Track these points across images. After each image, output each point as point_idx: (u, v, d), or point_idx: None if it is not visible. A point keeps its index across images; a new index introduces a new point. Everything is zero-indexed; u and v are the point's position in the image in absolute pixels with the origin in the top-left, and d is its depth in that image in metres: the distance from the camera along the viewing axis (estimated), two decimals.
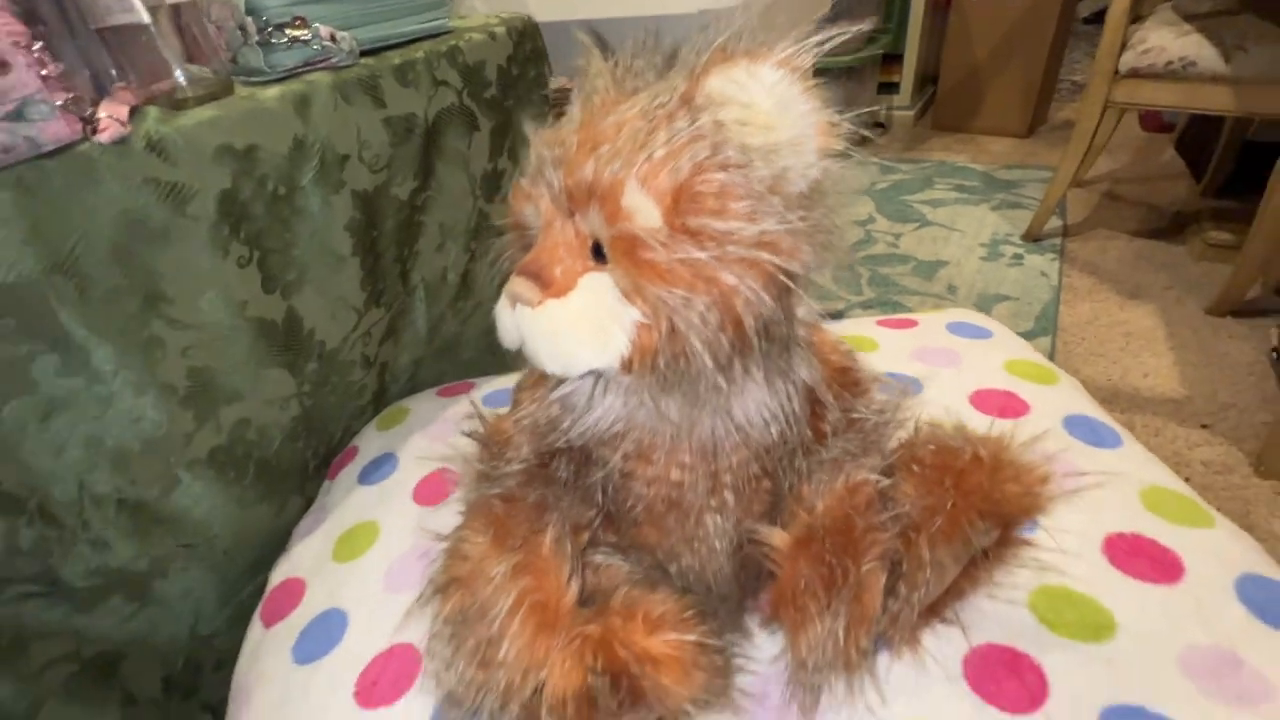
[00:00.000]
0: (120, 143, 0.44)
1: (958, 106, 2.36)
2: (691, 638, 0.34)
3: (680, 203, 0.29)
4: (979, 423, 0.47)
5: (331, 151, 0.58)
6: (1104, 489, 0.48)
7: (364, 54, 0.64)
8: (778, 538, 0.37)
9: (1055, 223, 1.67)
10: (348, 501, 0.59)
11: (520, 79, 0.81)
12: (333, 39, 0.58)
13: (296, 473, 0.63)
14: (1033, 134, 2.31)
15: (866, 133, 0.31)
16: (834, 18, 0.31)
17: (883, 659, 0.39)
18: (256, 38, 0.55)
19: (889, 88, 2.45)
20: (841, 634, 0.34)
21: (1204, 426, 1.05)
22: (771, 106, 0.29)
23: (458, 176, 0.74)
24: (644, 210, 0.29)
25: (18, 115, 0.38)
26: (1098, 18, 1.39)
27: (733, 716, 0.38)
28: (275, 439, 0.59)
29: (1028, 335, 1.25)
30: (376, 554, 0.52)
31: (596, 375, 0.36)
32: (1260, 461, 0.96)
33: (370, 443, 0.66)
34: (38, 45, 0.39)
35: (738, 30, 0.31)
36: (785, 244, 0.30)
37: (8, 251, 0.39)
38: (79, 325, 0.44)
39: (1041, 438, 0.39)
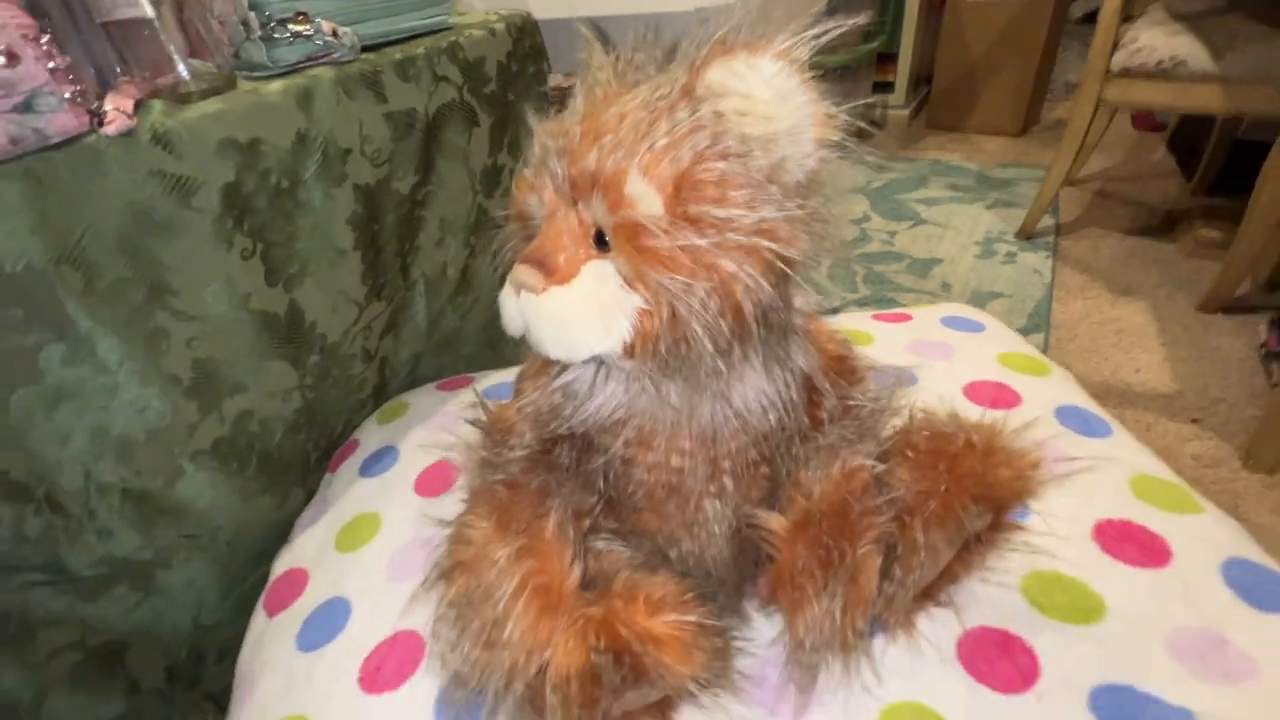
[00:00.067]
0: (126, 135, 0.44)
1: (952, 106, 2.37)
2: (691, 618, 0.35)
3: (681, 191, 0.30)
4: (972, 413, 0.48)
5: (334, 146, 0.59)
6: (1094, 477, 0.49)
7: (365, 49, 0.64)
8: (776, 522, 0.38)
9: (1048, 221, 1.69)
10: (349, 493, 0.60)
11: (520, 75, 0.82)
12: (334, 34, 0.59)
13: (298, 465, 0.63)
14: (1026, 133, 2.33)
15: (864, 125, 0.32)
16: (829, 13, 0.32)
17: (878, 641, 0.40)
18: (259, 33, 0.56)
19: (884, 87, 2.46)
20: (838, 614, 0.35)
21: (1194, 421, 1.06)
22: (770, 97, 0.30)
23: (458, 172, 0.75)
24: (646, 198, 0.30)
25: (26, 107, 0.38)
26: (1091, 18, 1.41)
27: (732, 697, 0.38)
28: (277, 431, 0.60)
29: (1021, 332, 1.25)
30: (379, 544, 0.53)
31: (598, 363, 0.37)
32: (1249, 455, 0.97)
33: (371, 436, 0.66)
34: (45, 38, 0.39)
35: (736, 24, 0.32)
36: (783, 232, 0.30)
37: (16, 242, 0.40)
38: (85, 316, 0.44)
39: (1033, 425, 0.40)
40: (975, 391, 0.59)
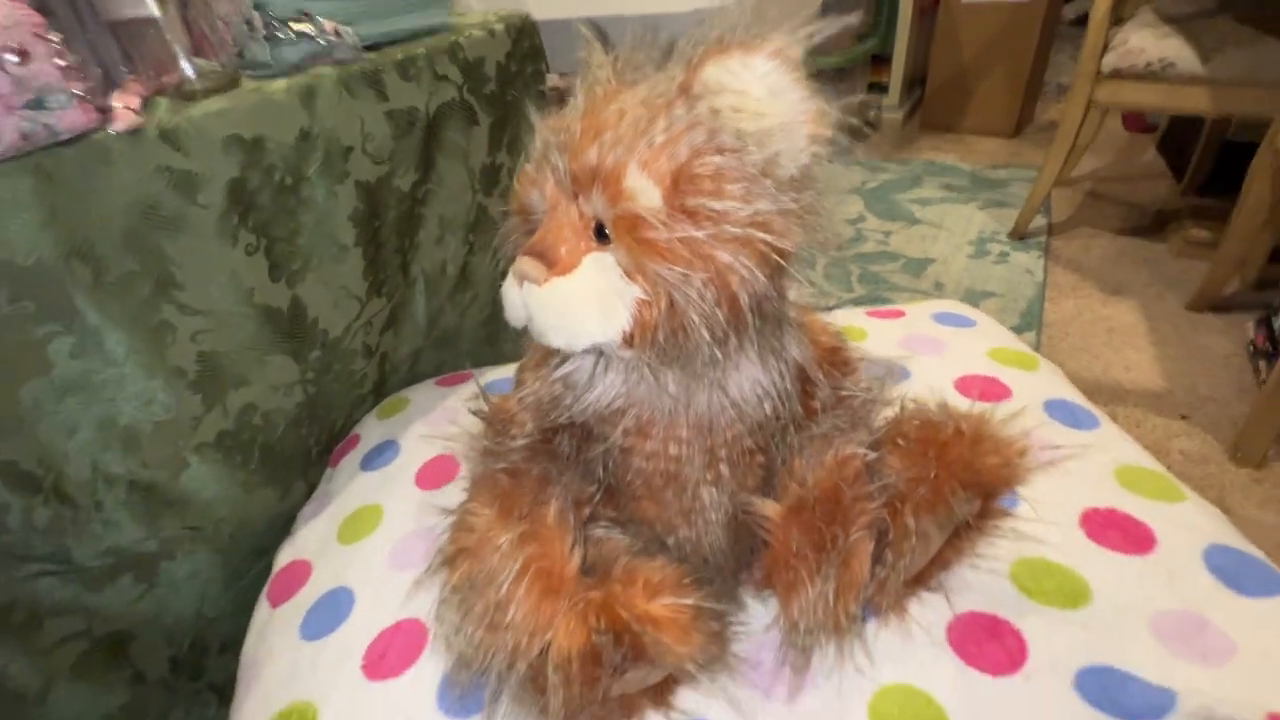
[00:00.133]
0: (134, 132, 0.45)
1: (946, 107, 2.39)
2: (689, 602, 0.36)
3: (679, 184, 0.31)
4: (963, 406, 0.49)
5: (336, 143, 0.59)
6: (1081, 467, 0.50)
7: (367, 49, 0.65)
8: (771, 508, 0.39)
9: (1040, 221, 1.70)
10: (351, 487, 0.60)
11: (518, 75, 0.83)
12: (337, 34, 0.59)
13: (299, 459, 0.64)
14: (1019, 134, 2.35)
15: (858, 123, 0.33)
16: (823, 15, 0.33)
17: (871, 625, 0.41)
18: (263, 32, 0.56)
19: (878, 88, 2.48)
20: (831, 597, 0.36)
21: (1183, 417, 1.08)
22: (764, 94, 0.31)
23: (457, 170, 0.76)
24: (645, 191, 0.31)
25: (37, 104, 0.39)
26: (1083, 20, 1.42)
27: (729, 679, 0.39)
28: (280, 425, 0.61)
29: (1014, 331, 1.26)
30: (381, 535, 0.54)
31: (598, 354, 0.38)
32: (1236, 450, 0.99)
33: (371, 431, 0.67)
34: (56, 36, 0.40)
35: (732, 25, 0.33)
36: (777, 224, 0.31)
37: (27, 236, 0.41)
38: (93, 309, 0.45)
39: (1021, 415, 0.41)
40: (966, 385, 0.60)
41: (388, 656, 0.44)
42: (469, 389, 0.68)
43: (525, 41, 0.84)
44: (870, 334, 0.70)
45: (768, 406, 0.39)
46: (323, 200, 0.60)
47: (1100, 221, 1.71)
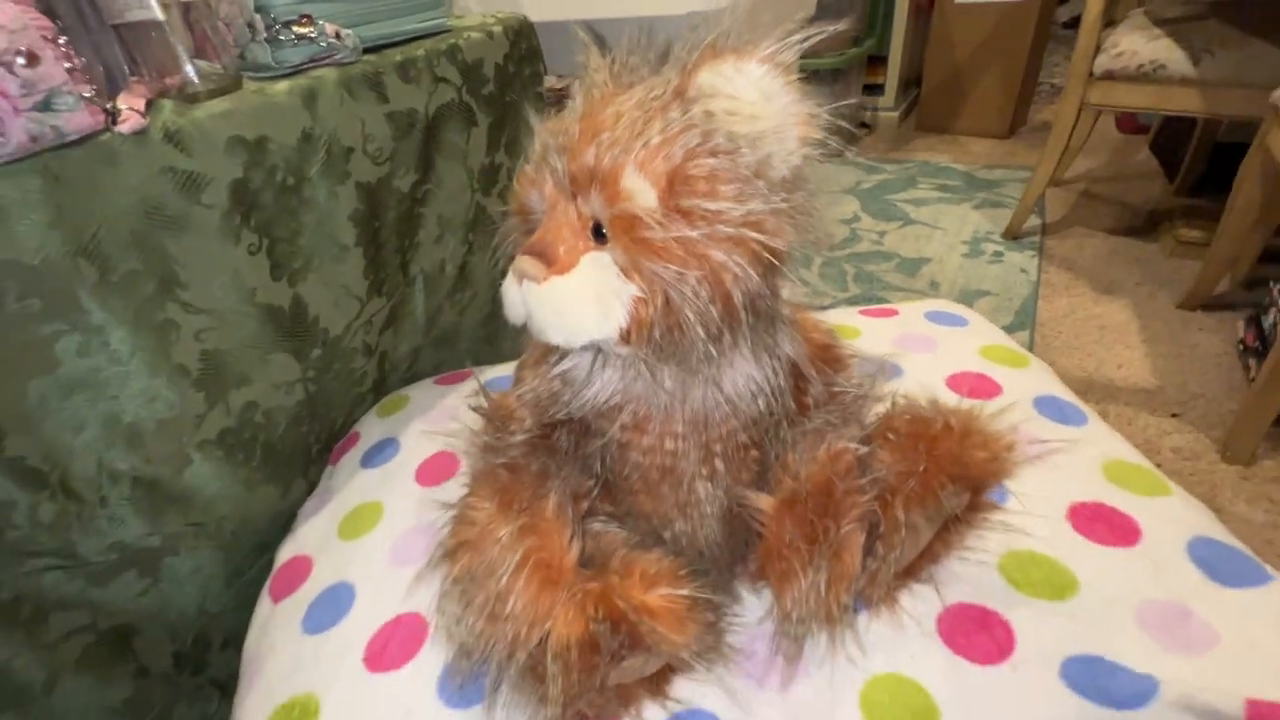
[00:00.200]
0: (139, 133, 0.46)
1: (940, 108, 2.41)
2: (685, 592, 0.37)
3: (674, 185, 0.32)
4: (954, 403, 0.50)
5: (337, 144, 0.60)
6: (1069, 462, 0.51)
7: (367, 51, 0.66)
8: (764, 501, 0.40)
9: (1034, 221, 1.72)
10: (351, 484, 0.61)
11: (516, 76, 0.84)
12: (337, 36, 0.60)
13: (300, 456, 0.65)
14: (1013, 135, 2.36)
15: (853, 129, 0.34)
16: (818, 17, 0.34)
17: (862, 616, 0.42)
18: (264, 35, 0.57)
19: (874, 89, 2.50)
20: (823, 587, 0.37)
21: (1174, 415, 1.09)
22: (757, 98, 0.32)
23: (456, 171, 0.77)
24: (641, 192, 0.32)
25: (45, 106, 0.40)
26: (1076, 22, 1.44)
27: (723, 669, 0.40)
28: (281, 423, 0.61)
29: (1007, 329, 1.28)
30: (381, 531, 0.54)
31: (595, 351, 0.39)
32: (1226, 447, 1.00)
33: (371, 429, 0.68)
34: (63, 39, 0.41)
35: (725, 30, 0.34)
36: (769, 224, 0.32)
37: (35, 235, 0.41)
38: (99, 307, 0.45)
39: (1009, 411, 0.42)
40: (957, 382, 0.61)
41: (389, 649, 0.45)
42: (468, 387, 0.68)
43: (523, 43, 0.85)
44: (863, 332, 0.71)
45: (761, 402, 0.40)
46: (324, 200, 0.60)
47: (1093, 221, 1.72)
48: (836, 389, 0.44)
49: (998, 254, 1.60)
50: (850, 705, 0.39)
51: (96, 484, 0.48)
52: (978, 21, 2.20)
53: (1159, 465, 0.52)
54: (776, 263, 0.34)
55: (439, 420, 0.66)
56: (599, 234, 0.34)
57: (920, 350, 0.66)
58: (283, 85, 0.56)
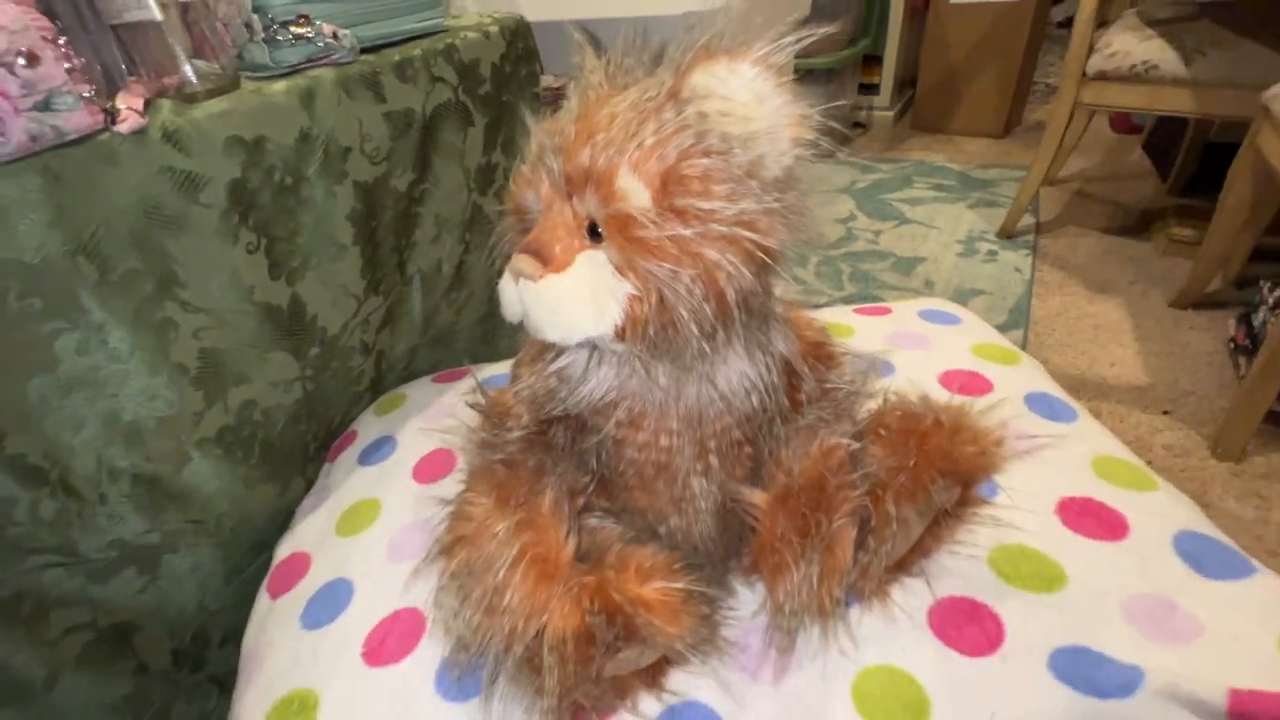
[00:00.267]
0: (138, 133, 0.46)
1: (936, 108, 2.42)
2: (680, 586, 0.37)
3: (668, 185, 0.32)
4: (944, 399, 0.51)
5: (335, 144, 0.61)
6: (1059, 458, 0.52)
7: (364, 51, 0.66)
8: (758, 496, 0.40)
9: (1028, 220, 1.73)
10: (349, 481, 0.61)
11: (513, 76, 0.84)
12: (335, 36, 0.61)
13: (298, 454, 0.65)
14: (1008, 135, 2.37)
15: (845, 130, 0.35)
16: (813, 17, 0.34)
17: (854, 610, 0.43)
18: (262, 35, 0.58)
19: (869, 89, 2.51)
20: (815, 580, 0.37)
21: (1165, 412, 1.10)
22: (749, 99, 0.32)
23: (453, 170, 0.77)
24: (636, 192, 0.32)
25: (45, 105, 0.40)
26: (1069, 23, 1.45)
27: (717, 662, 0.41)
28: (279, 421, 0.62)
29: (1001, 328, 1.29)
30: (379, 528, 0.55)
31: (591, 348, 0.39)
32: (1217, 444, 1.01)
33: (369, 427, 0.68)
34: (63, 40, 0.41)
35: (719, 31, 0.34)
36: (762, 223, 0.33)
37: (35, 234, 0.42)
38: (98, 306, 0.46)
39: (999, 407, 0.43)
40: (948, 379, 0.62)
41: (387, 644, 0.45)
42: (465, 384, 0.69)
43: (519, 43, 0.85)
44: (857, 331, 0.72)
45: (755, 399, 0.40)
46: (322, 200, 0.61)
47: (1087, 220, 1.73)
48: (829, 385, 0.45)
49: (992, 253, 1.61)
50: (843, 697, 0.39)
51: (96, 481, 0.48)
52: (973, 22, 2.21)
53: (1150, 462, 0.52)
54: (769, 261, 0.35)
55: (436, 418, 0.67)
56: (594, 233, 0.34)
57: (913, 348, 0.67)
58: (280, 85, 0.57)
